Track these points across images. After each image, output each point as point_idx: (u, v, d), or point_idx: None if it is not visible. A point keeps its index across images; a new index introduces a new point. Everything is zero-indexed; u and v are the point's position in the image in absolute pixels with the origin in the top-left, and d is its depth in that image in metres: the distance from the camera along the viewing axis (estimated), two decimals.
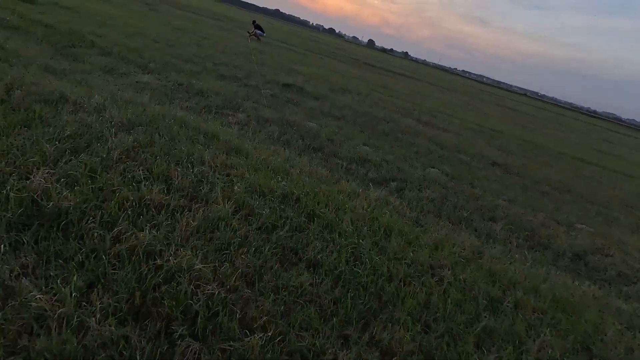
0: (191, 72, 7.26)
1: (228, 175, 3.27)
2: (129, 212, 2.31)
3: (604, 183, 8.51)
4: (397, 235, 3.07)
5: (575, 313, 2.75)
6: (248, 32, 18.49)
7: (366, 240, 2.80)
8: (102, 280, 1.81)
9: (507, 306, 2.57)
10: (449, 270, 2.75)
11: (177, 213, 2.48)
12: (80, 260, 1.89)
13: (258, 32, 18.51)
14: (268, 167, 3.61)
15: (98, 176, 2.55)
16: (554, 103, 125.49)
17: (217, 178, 3.05)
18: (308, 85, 9.57)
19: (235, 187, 2.96)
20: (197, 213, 2.49)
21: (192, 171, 3.02)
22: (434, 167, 5.64)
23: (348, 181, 4.10)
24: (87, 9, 11.31)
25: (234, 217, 2.59)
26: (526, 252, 3.64)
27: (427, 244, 3.11)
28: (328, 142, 5.32)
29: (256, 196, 2.96)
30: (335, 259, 2.47)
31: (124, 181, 2.61)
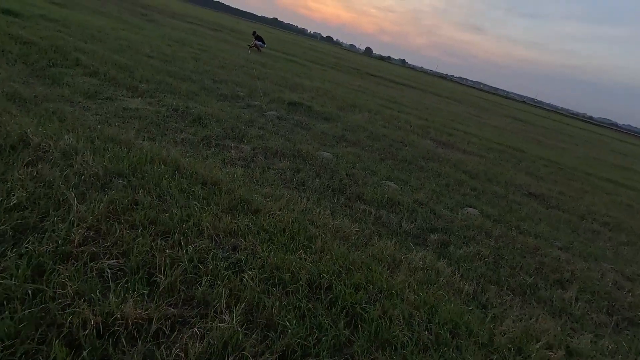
0: (188, 92, 6.47)
1: (235, 249, 2.45)
2: (86, 347, 1.48)
3: None
4: (465, 334, 2.25)
5: None
6: (248, 45, 17.77)
7: (431, 353, 1.98)
8: None
9: None
10: None
11: (160, 339, 1.66)
12: None
13: (258, 43, 17.83)
14: (284, 231, 2.80)
15: (44, 282, 1.73)
16: (554, 110, 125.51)
17: (220, 262, 2.23)
18: (315, 103, 8.80)
19: (246, 277, 2.14)
20: (192, 341, 1.66)
21: (186, 252, 2.20)
22: (470, 206, 4.82)
23: (381, 237, 3.29)
24: (78, 22, 10.57)
25: (246, 339, 1.77)
26: (620, 340, 2.81)
27: (505, 344, 2.29)
28: (348, 179, 4.50)
29: (274, 289, 2.14)
30: None
31: (86, 283, 1.79)
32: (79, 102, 4.65)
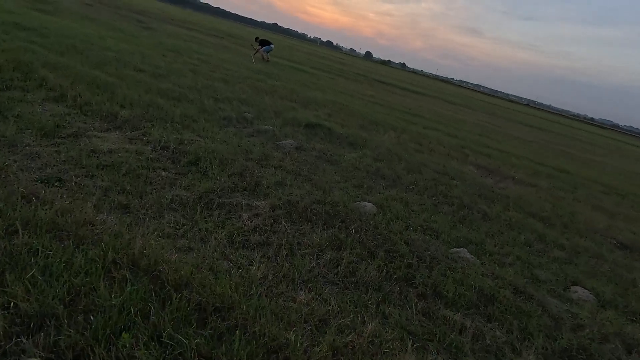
0: (183, 118, 5.12)
1: None
2: None
3: None
4: None
5: None
6: (253, 47, 16.46)
7: None
8: None
9: None
10: None
11: None
12: None
13: (264, 49, 16.49)
14: None
15: None
16: (558, 113, 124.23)
17: None
18: (334, 123, 7.46)
19: None
20: None
21: None
22: (575, 282, 3.46)
23: None
24: (59, 30, 9.27)
25: None
26: None
27: None
28: (409, 252, 3.13)
29: None
30: None
31: None
32: (27, 145, 3.29)
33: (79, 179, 2.92)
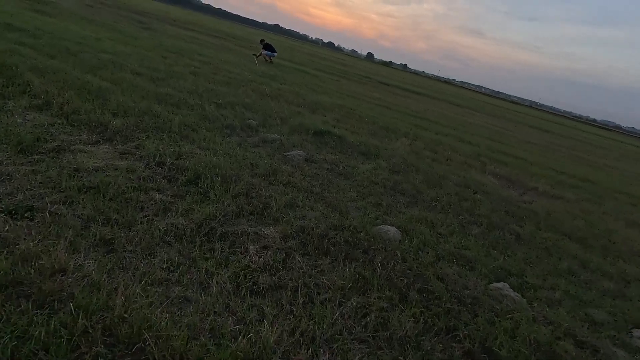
0: (182, 127, 4.66)
1: None
2: None
3: None
4: None
5: None
6: (254, 54, 16.01)
7: None
8: None
9: None
10: None
11: None
12: None
13: (266, 52, 16.03)
14: None
15: None
16: (559, 114, 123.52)
17: None
18: (344, 129, 6.99)
19: None
20: None
21: None
22: (637, 326, 2.97)
23: None
24: (54, 31, 8.83)
25: None
26: None
27: None
28: (446, 291, 2.65)
29: None
30: None
31: None
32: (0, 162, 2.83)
33: (55, 207, 2.45)
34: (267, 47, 16.13)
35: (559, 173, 8.78)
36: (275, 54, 16.46)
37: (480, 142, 10.19)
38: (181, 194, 3.10)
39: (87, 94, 4.86)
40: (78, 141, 3.58)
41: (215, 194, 3.18)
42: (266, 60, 16.06)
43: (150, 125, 4.41)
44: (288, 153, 4.85)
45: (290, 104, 8.20)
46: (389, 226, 3.46)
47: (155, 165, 3.47)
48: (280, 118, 6.49)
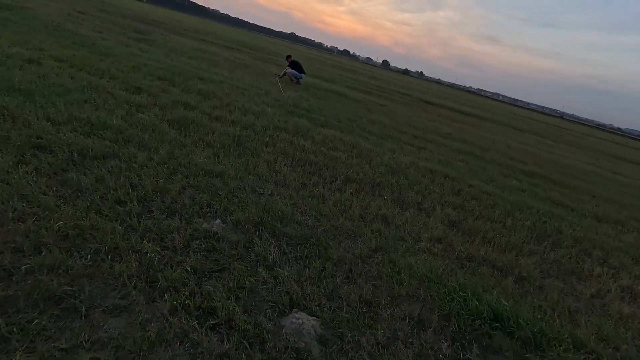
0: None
1: None
2: None
3: None
4: None
5: None
6: (277, 75, 12.16)
7: None
8: None
9: None
10: None
11: None
12: None
13: (292, 72, 12.13)
14: None
15: None
16: (588, 124, 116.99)
17: None
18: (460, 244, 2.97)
19: None
20: None
21: None
22: None
23: None
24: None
25: None
26: None
27: None
28: None
29: None
30: None
31: None
32: None
33: None
34: (295, 65, 12.23)
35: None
36: (303, 75, 12.52)
37: (558, 179, 5.97)
38: None
39: None
40: None
41: None
42: (292, 81, 12.20)
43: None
44: None
45: (352, 182, 4.21)
46: None
47: None
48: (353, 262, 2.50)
